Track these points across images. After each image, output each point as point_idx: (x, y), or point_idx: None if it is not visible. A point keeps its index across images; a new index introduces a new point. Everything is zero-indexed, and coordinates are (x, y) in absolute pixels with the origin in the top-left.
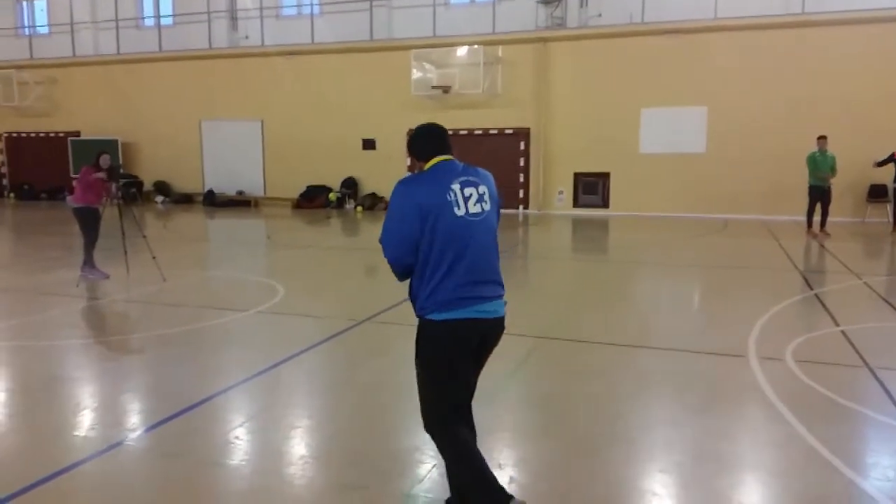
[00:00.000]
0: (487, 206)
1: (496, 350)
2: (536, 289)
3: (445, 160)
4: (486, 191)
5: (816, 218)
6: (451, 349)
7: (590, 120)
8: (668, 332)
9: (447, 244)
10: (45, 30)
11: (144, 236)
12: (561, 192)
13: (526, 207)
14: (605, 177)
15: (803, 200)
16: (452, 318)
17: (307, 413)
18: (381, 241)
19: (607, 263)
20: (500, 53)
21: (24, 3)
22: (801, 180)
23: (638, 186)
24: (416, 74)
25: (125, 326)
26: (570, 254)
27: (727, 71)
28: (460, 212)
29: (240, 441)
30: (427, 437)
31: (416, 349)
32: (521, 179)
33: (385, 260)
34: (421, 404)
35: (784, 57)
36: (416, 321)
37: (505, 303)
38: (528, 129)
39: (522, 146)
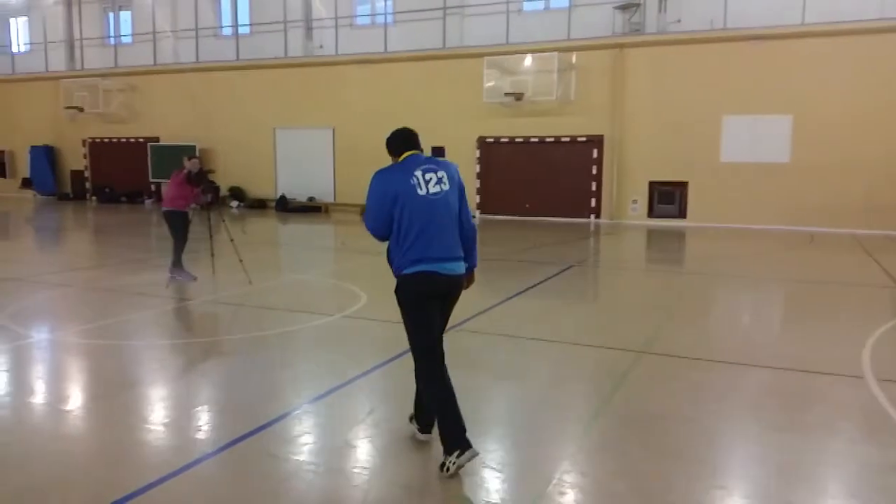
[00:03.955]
0: (446, 187)
1: (598, 365)
2: (624, 302)
3: (413, 154)
4: (444, 175)
5: None
6: (421, 295)
7: (667, 128)
8: (774, 350)
9: (414, 217)
10: (128, 39)
11: (232, 240)
12: (635, 202)
13: (598, 217)
14: (682, 186)
15: None
16: (420, 271)
17: (404, 419)
18: (363, 216)
19: (692, 276)
20: (573, 60)
21: (111, 14)
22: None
23: (718, 196)
24: (488, 82)
25: (218, 328)
26: (652, 265)
27: (814, 78)
28: (422, 192)
29: (349, 447)
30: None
31: (397, 300)
32: (594, 188)
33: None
34: (408, 340)
35: (878, 63)
36: (501, 330)
37: (465, 266)
38: (602, 136)
39: (595, 154)
